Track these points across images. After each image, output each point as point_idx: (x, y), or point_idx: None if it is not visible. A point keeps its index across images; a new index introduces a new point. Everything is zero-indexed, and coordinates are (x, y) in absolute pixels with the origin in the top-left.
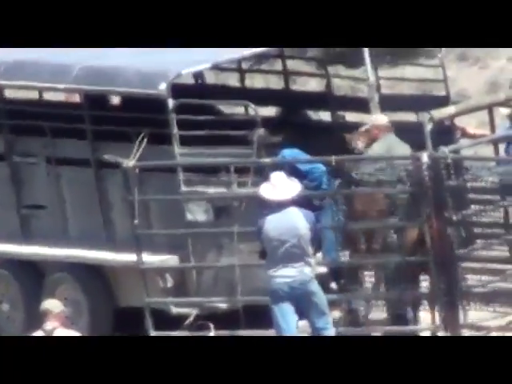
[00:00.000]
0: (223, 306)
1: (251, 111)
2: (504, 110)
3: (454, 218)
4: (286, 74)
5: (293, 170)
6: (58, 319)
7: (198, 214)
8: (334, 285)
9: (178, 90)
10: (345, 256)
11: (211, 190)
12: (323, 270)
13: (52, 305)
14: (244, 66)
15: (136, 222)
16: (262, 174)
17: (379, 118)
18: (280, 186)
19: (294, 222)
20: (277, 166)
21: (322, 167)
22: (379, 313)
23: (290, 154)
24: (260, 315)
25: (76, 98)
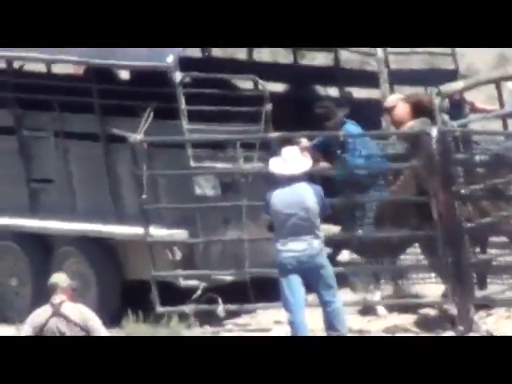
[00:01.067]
0: (229, 278)
1: (259, 86)
2: (511, 85)
3: (463, 191)
4: (295, 48)
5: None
6: (65, 293)
7: (206, 188)
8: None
9: (185, 63)
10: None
11: (219, 165)
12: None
13: (59, 279)
14: None
15: (144, 196)
16: (268, 149)
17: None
18: (291, 161)
19: (302, 196)
20: (285, 141)
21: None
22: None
23: (353, 129)
24: (268, 288)
25: (84, 72)
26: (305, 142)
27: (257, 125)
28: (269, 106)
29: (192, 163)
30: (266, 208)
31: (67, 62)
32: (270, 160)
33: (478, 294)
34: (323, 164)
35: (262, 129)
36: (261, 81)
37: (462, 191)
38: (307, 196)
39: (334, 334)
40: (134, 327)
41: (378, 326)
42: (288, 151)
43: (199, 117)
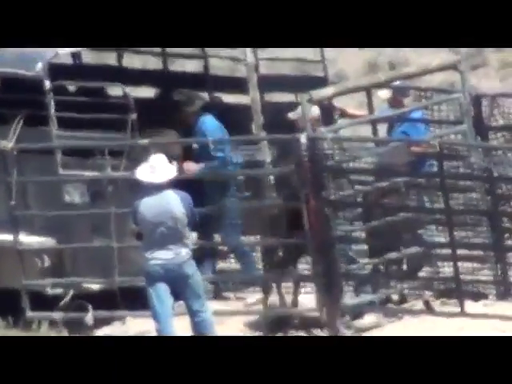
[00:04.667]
0: (96, 286)
1: (125, 94)
2: (382, 94)
3: (332, 197)
4: (165, 54)
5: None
6: None
7: (74, 196)
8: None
9: (55, 69)
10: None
11: (87, 173)
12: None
13: None
14: None
15: (13, 202)
16: (135, 157)
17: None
18: (158, 169)
19: (169, 205)
20: (152, 149)
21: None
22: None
23: (211, 122)
24: (138, 297)
25: None
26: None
27: (124, 133)
28: (133, 115)
29: (60, 170)
30: (134, 216)
31: None
32: (138, 168)
33: (350, 301)
34: (189, 165)
35: (128, 137)
36: (126, 89)
37: (332, 197)
38: (174, 205)
39: None
40: (4, 332)
41: None
42: (155, 159)
43: (69, 124)
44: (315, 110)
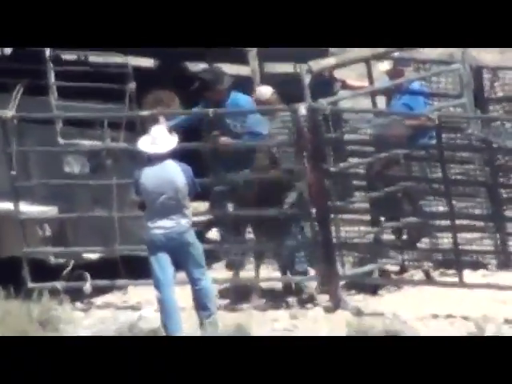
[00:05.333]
0: (95, 256)
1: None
2: (382, 66)
3: (332, 169)
4: None
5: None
6: None
7: (74, 166)
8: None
9: None
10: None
11: (87, 143)
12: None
13: None
14: None
15: (13, 172)
16: (134, 128)
17: (263, 91)
18: (159, 139)
19: (171, 175)
20: (153, 120)
21: None
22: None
23: (242, 98)
24: (139, 266)
25: None
26: (162, 120)
27: (122, 103)
28: (132, 85)
29: (60, 140)
30: (136, 187)
31: None
32: (139, 139)
33: (349, 272)
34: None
35: (126, 107)
36: (125, 57)
37: (332, 169)
38: (176, 175)
39: (204, 313)
40: (4, 304)
41: None
42: (156, 129)
43: (68, 94)
44: (267, 91)
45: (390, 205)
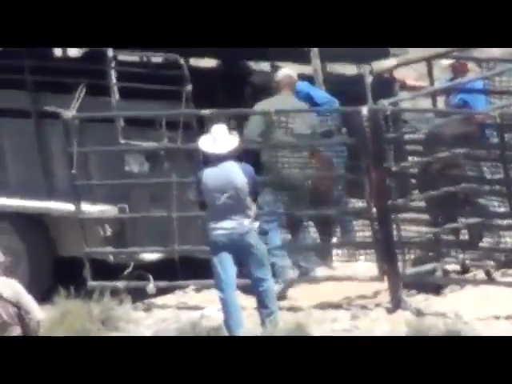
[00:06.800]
0: (153, 256)
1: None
2: (445, 61)
3: (393, 169)
4: None
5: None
6: None
7: (134, 165)
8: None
9: None
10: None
11: (146, 143)
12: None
13: None
14: None
15: (74, 172)
16: (192, 128)
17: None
18: (220, 139)
19: (231, 175)
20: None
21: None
22: None
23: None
24: (199, 267)
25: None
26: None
27: (179, 104)
28: (189, 87)
29: (121, 140)
30: (198, 187)
31: None
32: (200, 138)
33: (410, 271)
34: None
35: (183, 108)
36: (181, 59)
37: (393, 169)
38: (237, 175)
39: (266, 312)
40: (65, 303)
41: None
42: (217, 129)
43: (128, 94)
44: (280, 74)
45: (449, 204)
